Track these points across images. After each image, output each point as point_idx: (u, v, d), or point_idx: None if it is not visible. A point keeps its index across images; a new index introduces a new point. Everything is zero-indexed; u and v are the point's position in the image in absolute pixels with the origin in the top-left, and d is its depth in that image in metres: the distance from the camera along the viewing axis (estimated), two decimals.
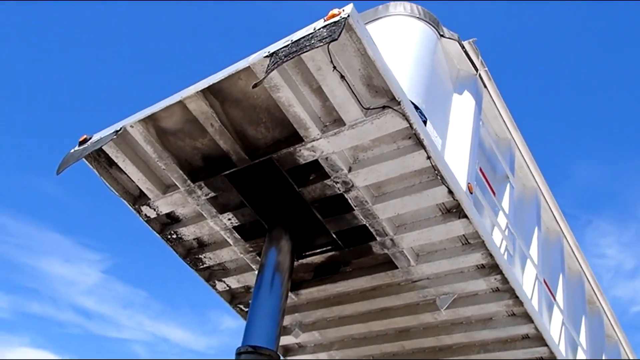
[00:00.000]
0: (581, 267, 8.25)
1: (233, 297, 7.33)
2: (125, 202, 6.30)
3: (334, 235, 5.85)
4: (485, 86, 6.52)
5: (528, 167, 7.27)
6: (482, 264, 5.80)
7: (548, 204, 7.65)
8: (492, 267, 5.76)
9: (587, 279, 8.39)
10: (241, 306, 7.34)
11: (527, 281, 6.14)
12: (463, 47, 6.35)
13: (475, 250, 5.58)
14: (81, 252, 30.11)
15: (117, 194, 6.20)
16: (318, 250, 6.19)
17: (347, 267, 6.34)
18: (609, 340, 8.86)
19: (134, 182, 6.06)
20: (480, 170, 5.95)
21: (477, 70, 6.42)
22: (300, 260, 6.34)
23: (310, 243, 6.16)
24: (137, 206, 6.32)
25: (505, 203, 6.36)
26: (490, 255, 5.53)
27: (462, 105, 6.14)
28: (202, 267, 6.94)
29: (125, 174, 5.97)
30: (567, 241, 7.97)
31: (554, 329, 6.53)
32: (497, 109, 6.72)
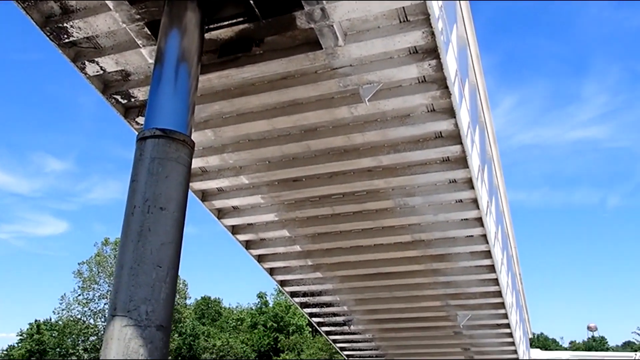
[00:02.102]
0: (476, 78, 8.13)
1: (107, 86, 6.00)
2: None
3: (251, 1, 4.72)
4: None
5: None
6: (417, 48, 5.20)
7: (465, 31, 7.11)
8: (427, 52, 5.19)
9: (479, 93, 8.35)
10: (117, 97, 6.06)
11: (451, 74, 5.69)
12: None
13: (416, 28, 4.91)
14: None
15: None
16: (227, 23, 5.03)
17: (258, 47, 5.32)
18: (487, 156, 9.20)
19: None
20: None
21: None
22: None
23: (218, 14, 4.97)
24: None
25: None
26: (432, 34, 4.91)
27: None
28: (66, 40, 5.42)
29: None
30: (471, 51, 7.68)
31: (464, 129, 6.33)
32: None
